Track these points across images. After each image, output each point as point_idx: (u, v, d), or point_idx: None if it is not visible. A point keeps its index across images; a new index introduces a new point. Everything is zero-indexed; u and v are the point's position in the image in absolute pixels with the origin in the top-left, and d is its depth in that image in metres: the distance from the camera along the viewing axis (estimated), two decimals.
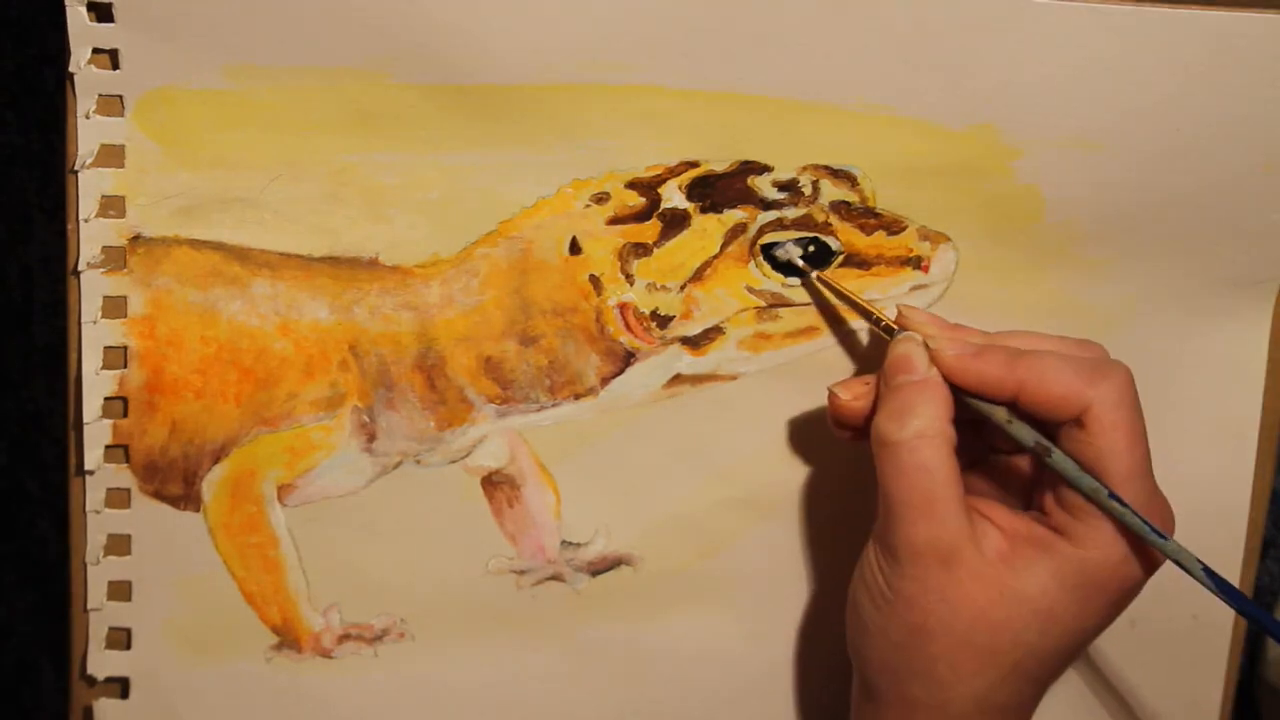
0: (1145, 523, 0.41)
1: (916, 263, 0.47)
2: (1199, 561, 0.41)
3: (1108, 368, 0.42)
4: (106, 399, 0.45)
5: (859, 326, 0.47)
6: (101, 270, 0.44)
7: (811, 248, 0.46)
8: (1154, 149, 0.45)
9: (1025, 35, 0.44)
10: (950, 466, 0.42)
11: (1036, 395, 0.42)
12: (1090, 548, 0.42)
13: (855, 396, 0.44)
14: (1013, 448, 0.45)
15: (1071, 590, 0.42)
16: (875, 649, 0.43)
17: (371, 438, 0.47)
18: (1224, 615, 0.51)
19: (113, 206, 0.44)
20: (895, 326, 0.45)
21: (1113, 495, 0.41)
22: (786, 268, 0.47)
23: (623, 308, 0.47)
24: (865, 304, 0.46)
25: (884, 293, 0.47)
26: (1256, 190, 0.46)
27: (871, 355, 0.48)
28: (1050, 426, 0.42)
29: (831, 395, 0.45)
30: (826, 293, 0.47)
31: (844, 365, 0.48)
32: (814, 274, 0.46)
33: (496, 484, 0.48)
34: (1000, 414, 0.43)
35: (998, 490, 0.46)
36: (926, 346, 0.43)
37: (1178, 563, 0.41)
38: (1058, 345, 0.44)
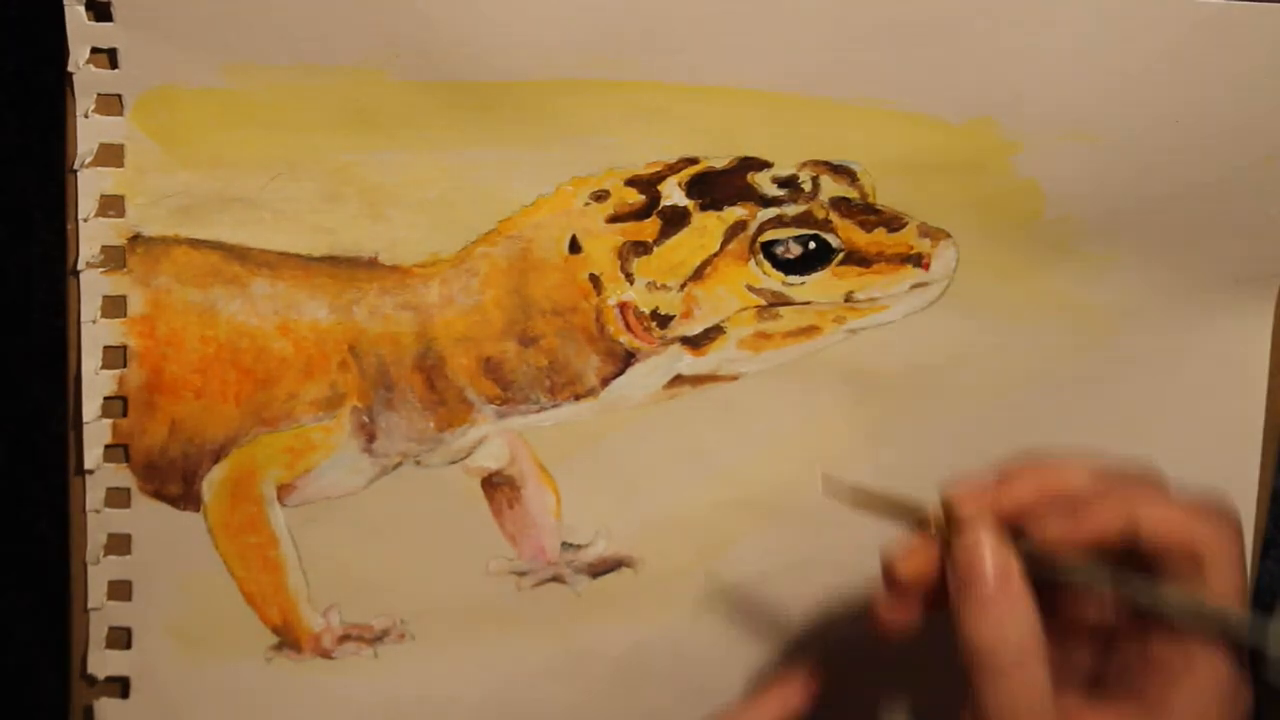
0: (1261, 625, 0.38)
1: (917, 260, 0.47)
2: None
3: (1218, 508, 0.39)
4: (106, 399, 0.45)
5: (860, 325, 0.47)
6: (101, 270, 0.44)
7: (812, 245, 0.46)
8: (1154, 142, 0.45)
9: (1024, 27, 0.44)
10: (1048, 684, 0.38)
11: (1151, 534, 0.38)
12: (1184, 715, 0.38)
13: (917, 567, 0.40)
14: (1095, 615, 0.41)
15: None
16: None
17: (371, 438, 0.47)
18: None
19: (112, 206, 0.44)
20: (935, 524, 0.40)
21: (1255, 627, 0.38)
22: (787, 266, 0.46)
23: (623, 307, 0.47)
24: (906, 503, 0.41)
25: (885, 290, 0.47)
26: (1257, 183, 0.46)
27: (872, 354, 0.47)
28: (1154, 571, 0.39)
29: (888, 569, 0.41)
30: (821, 294, 0.46)
31: (845, 364, 0.47)
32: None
33: (496, 485, 0.48)
34: (1105, 577, 0.39)
35: (1056, 669, 0.40)
36: (1015, 530, 0.39)
37: None
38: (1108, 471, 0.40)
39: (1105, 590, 0.40)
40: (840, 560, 0.50)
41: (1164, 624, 0.39)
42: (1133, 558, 0.39)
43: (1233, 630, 0.38)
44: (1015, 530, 0.39)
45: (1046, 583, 0.39)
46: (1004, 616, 0.38)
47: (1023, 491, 0.40)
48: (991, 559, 0.39)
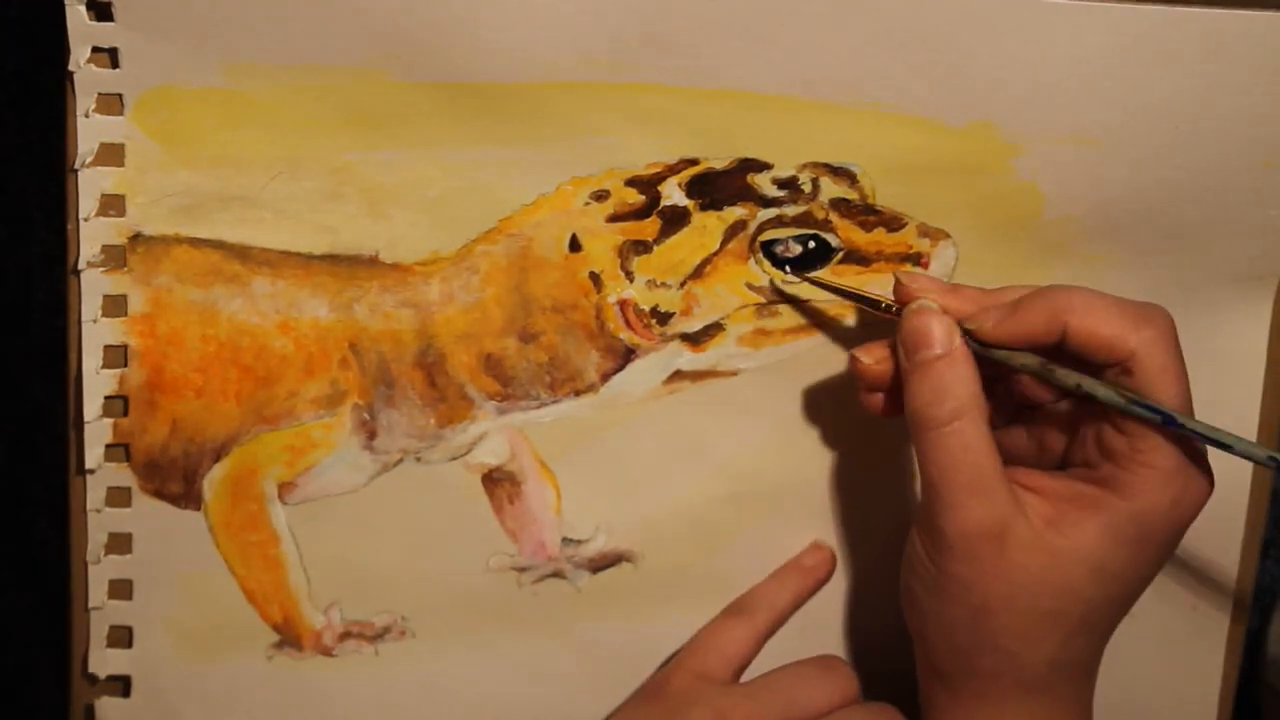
0: (1215, 431, 0.40)
1: (916, 259, 0.47)
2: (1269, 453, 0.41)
3: (1152, 310, 0.41)
4: (107, 398, 0.45)
5: (857, 322, 0.47)
6: (101, 269, 0.44)
7: (811, 244, 0.46)
8: (1153, 145, 0.45)
9: (1024, 32, 0.44)
10: (989, 440, 0.41)
11: (1081, 339, 0.41)
12: (1138, 498, 0.41)
13: (877, 360, 0.44)
14: (1045, 398, 0.44)
15: (1124, 544, 0.41)
16: (937, 633, 0.43)
17: (372, 435, 0.47)
18: (1221, 606, 0.52)
19: (112, 205, 0.44)
20: (896, 304, 0.44)
21: (1169, 416, 0.40)
22: (787, 264, 0.47)
23: (623, 304, 0.47)
24: (863, 292, 0.45)
25: (884, 289, 0.47)
26: (1255, 186, 0.46)
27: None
28: (1094, 369, 0.42)
29: (854, 360, 0.44)
30: (820, 292, 0.47)
31: (844, 361, 0.48)
32: (799, 278, 0.46)
33: (497, 481, 0.48)
34: (1033, 363, 0.42)
35: (1030, 452, 0.45)
36: (960, 324, 0.42)
37: (1249, 457, 0.40)
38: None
39: (1037, 376, 0.43)
40: (839, 553, 0.50)
41: (1113, 414, 0.41)
42: (1075, 361, 0.42)
43: (1152, 418, 0.40)
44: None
45: (1001, 377, 0.44)
46: (944, 374, 0.42)
47: (967, 298, 0.43)
48: (936, 327, 0.42)
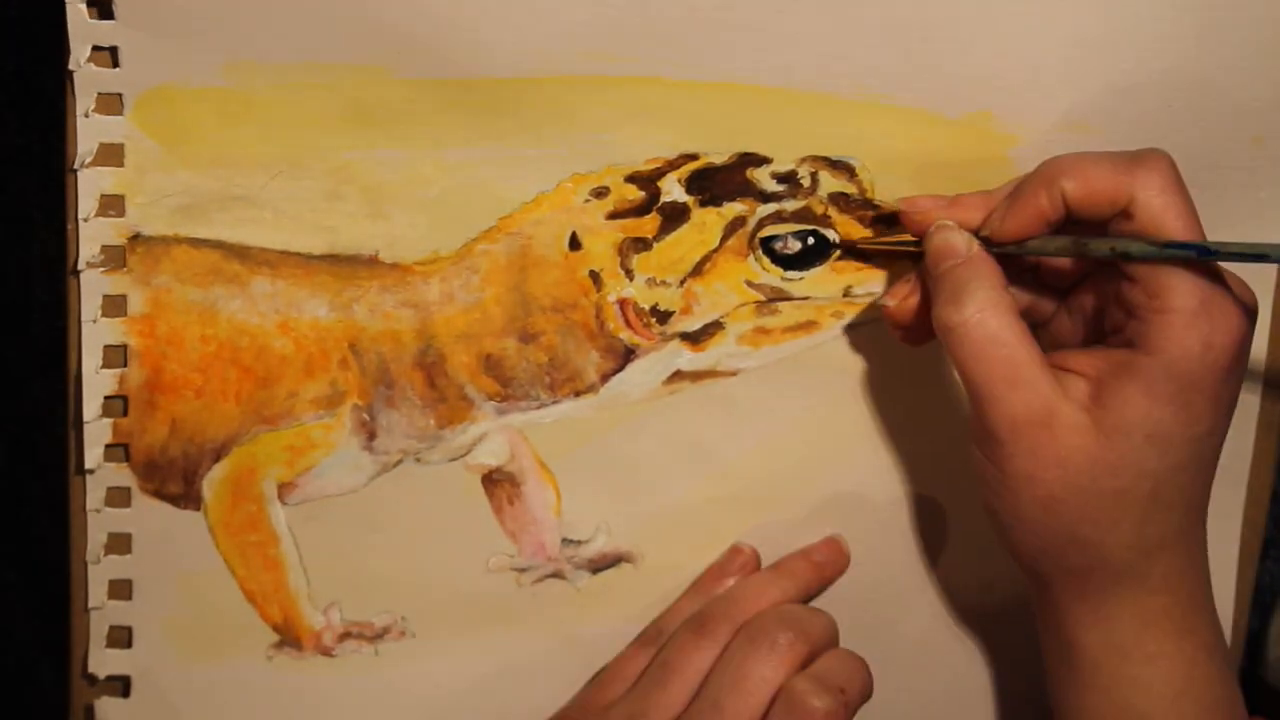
0: (1252, 247, 0.39)
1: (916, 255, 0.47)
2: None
3: (1147, 154, 0.41)
4: (106, 398, 0.45)
5: (859, 320, 0.47)
6: (101, 269, 0.44)
7: (811, 240, 0.47)
8: (1146, 128, 0.45)
9: (1019, 20, 0.44)
10: (1021, 330, 0.41)
11: (1080, 199, 0.41)
12: (1166, 349, 0.40)
13: (903, 298, 0.44)
14: (1075, 288, 0.45)
15: (1166, 402, 0.40)
16: (1021, 540, 0.43)
17: (372, 436, 0.47)
18: (1224, 604, 0.51)
19: (112, 205, 0.44)
20: (910, 238, 0.45)
21: (1203, 247, 0.40)
22: (786, 261, 0.47)
23: (623, 303, 0.47)
24: (881, 241, 0.46)
25: (884, 285, 0.47)
26: (1247, 166, 0.46)
27: (871, 349, 0.48)
28: (1099, 230, 0.42)
29: (883, 308, 0.45)
30: (819, 290, 0.47)
31: (844, 360, 0.48)
32: (833, 255, 0.47)
33: (497, 481, 0.48)
34: (1066, 244, 0.42)
35: (1075, 334, 0.45)
36: (976, 234, 0.43)
37: (1260, 257, 0.39)
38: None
39: (1073, 254, 0.43)
40: None
41: (1131, 273, 0.41)
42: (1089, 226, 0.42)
43: (1187, 255, 0.40)
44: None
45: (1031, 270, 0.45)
46: (961, 274, 0.42)
47: (971, 205, 0.44)
48: (957, 239, 0.43)
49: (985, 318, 0.41)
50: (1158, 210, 0.40)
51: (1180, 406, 0.40)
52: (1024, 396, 0.41)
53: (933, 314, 0.43)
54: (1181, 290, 0.40)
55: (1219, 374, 0.41)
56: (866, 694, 0.44)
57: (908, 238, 0.45)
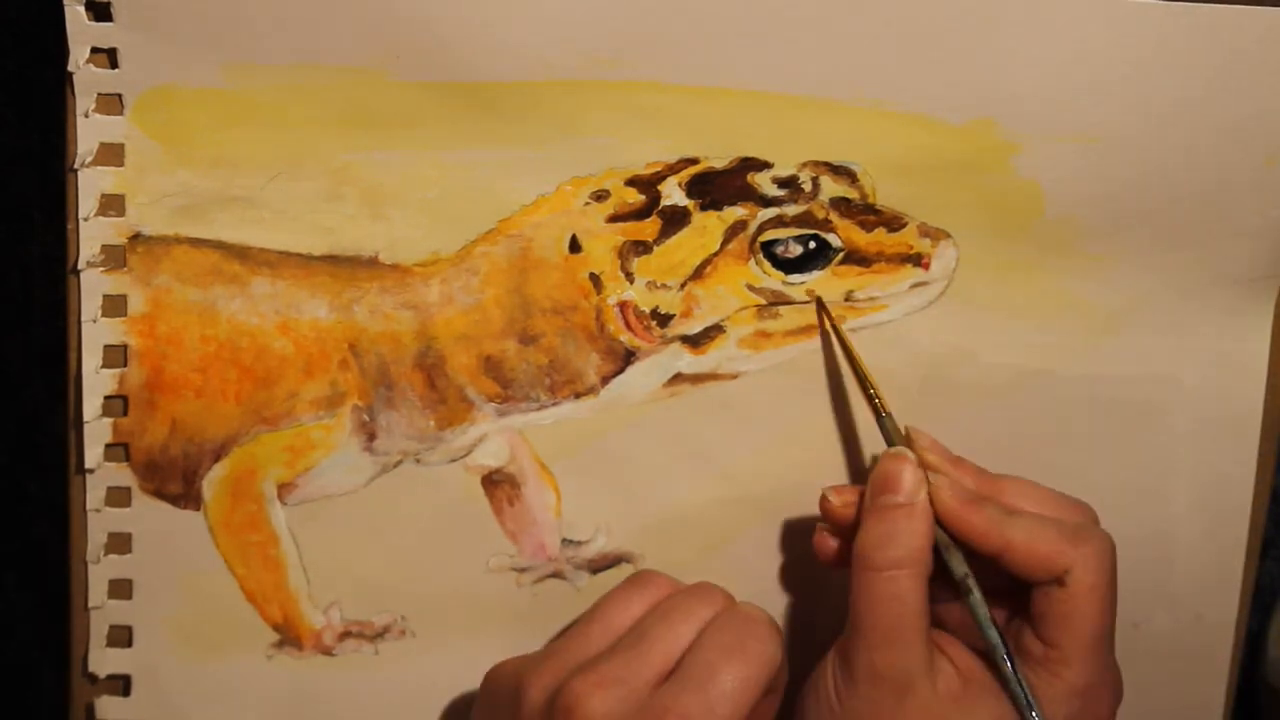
0: (1027, 699, 0.41)
1: (917, 260, 0.47)
2: None
3: (1091, 533, 0.43)
4: (106, 398, 0.45)
5: (859, 324, 0.47)
6: (101, 269, 0.44)
7: (812, 245, 0.46)
8: (1154, 143, 0.45)
9: (1025, 28, 0.44)
10: (922, 598, 0.42)
11: (1021, 554, 0.42)
12: (1045, 693, 0.42)
13: (845, 504, 0.45)
14: (995, 586, 0.44)
15: None
16: None
17: (371, 436, 0.47)
18: (1224, 604, 0.51)
19: (112, 205, 0.44)
20: (886, 411, 0.45)
21: (1008, 654, 0.42)
22: (787, 265, 0.47)
23: (623, 306, 0.47)
24: (872, 382, 0.46)
25: (884, 290, 0.47)
26: (1257, 184, 0.46)
27: (873, 356, 0.47)
28: (1027, 583, 0.43)
29: (823, 499, 0.45)
30: (819, 292, 0.47)
31: (844, 363, 0.48)
32: (830, 328, 0.47)
33: (497, 483, 0.48)
34: (941, 538, 0.43)
35: (966, 629, 0.45)
36: (929, 479, 0.43)
37: None
38: (1048, 499, 0.44)
39: (938, 549, 0.43)
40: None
41: (1035, 619, 0.43)
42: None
43: (993, 643, 0.42)
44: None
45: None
46: (899, 522, 0.43)
47: (966, 471, 0.45)
48: (907, 475, 0.43)
49: (901, 575, 0.42)
50: (1086, 588, 0.42)
51: None
52: (895, 657, 0.42)
53: (857, 540, 0.43)
54: (1075, 667, 0.42)
55: None
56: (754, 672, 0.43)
57: (883, 399, 0.45)
